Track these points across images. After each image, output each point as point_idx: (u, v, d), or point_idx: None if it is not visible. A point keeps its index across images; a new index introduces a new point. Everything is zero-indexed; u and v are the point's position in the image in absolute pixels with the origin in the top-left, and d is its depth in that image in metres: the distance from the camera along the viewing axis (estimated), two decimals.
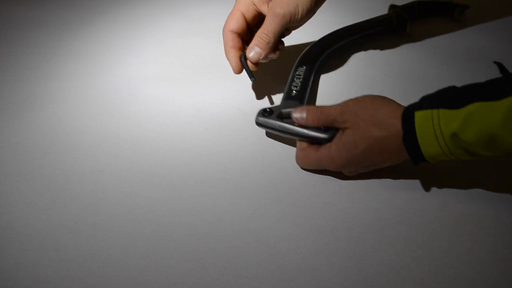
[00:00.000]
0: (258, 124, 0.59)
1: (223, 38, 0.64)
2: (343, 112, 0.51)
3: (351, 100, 0.52)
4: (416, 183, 0.55)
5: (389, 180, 0.55)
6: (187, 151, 0.60)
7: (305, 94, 0.64)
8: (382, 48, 0.82)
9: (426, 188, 0.54)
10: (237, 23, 0.63)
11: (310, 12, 0.62)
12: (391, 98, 0.52)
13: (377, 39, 0.83)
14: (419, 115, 0.46)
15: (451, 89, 0.47)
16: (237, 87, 0.71)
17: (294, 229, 0.50)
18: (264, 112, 0.59)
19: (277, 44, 0.63)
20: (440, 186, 0.54)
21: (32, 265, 0.46)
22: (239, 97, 0.69)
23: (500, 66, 0.75)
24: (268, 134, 0.62)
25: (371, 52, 0.81)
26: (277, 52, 0.64)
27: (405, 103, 0.50)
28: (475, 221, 0.51)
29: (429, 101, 0.47)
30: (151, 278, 0.45)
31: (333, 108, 0.53)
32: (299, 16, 0.60)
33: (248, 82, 0.72)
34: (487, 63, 0.77)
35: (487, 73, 0.75)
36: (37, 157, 0.59)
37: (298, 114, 0.55)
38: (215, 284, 0.45)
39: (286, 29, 0.63)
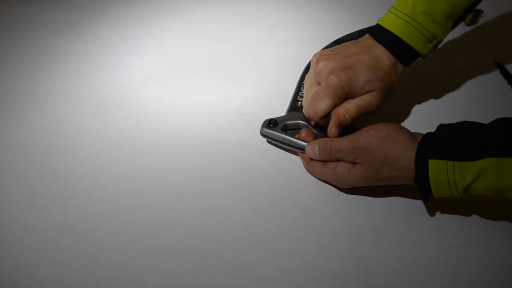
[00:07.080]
0: (263, 135, 0.60)
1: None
2: (353, 150, 0.50)
3: (361, 134, 0.50)
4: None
5: None
6: (187, 151, 0.60)
7: None
8: None
9: None
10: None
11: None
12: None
13: None
14: (434, 165, 0.46)
15: (464, 133, 0.47)
16: (237, 88, 0.71)
17: (294, 231, 0.50)
18: (269, 123, 0.59)
19: None
20: None
21: (33, 266, 0.46)
22: (239, 98, 0.69)
23: (500, 67, 0.75)
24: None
25: None
26: None
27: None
28: (474, 222, 0.51)
29: (443, 148, 0.46)
30: (152, 279, 0.46)
31: (342, 143, 0.51)
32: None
33: (249, 83, 0.72)
34: (498, 72, 0.75)
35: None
36: (37, 157, 0.59)
37: (311, 150, 0.54)
38: (216, 285, 0.45)
39: None
